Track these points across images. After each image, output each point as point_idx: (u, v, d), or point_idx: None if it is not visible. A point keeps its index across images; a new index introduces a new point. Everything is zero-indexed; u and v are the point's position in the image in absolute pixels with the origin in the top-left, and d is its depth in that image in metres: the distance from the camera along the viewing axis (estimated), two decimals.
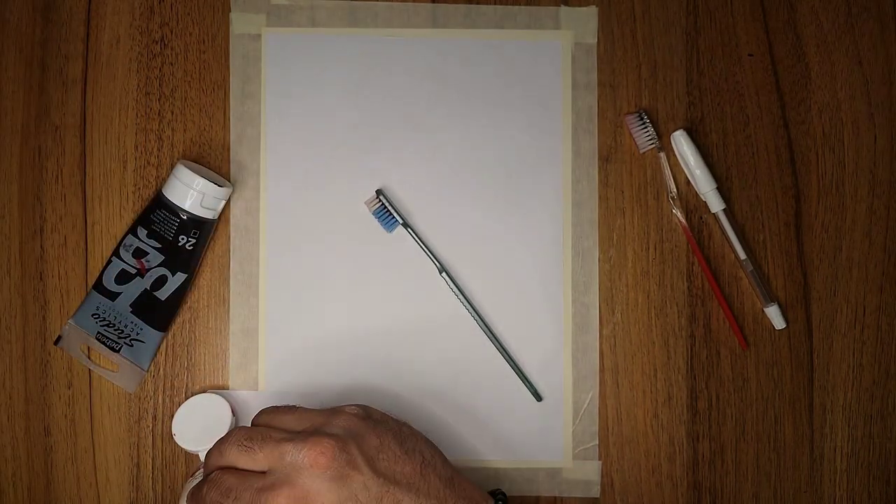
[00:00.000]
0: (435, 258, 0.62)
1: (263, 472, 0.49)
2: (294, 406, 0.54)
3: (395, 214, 0.61)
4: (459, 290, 0.61)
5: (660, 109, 0.64)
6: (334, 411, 0.52)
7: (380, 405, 0.62)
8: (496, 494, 0.53)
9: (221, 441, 0.51)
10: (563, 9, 0.63)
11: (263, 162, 0.62)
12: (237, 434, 0.51)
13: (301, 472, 0.48)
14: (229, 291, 0.62)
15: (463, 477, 0.52)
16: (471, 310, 0.62)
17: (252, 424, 0.54)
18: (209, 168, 0.62)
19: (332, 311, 0.62)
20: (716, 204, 0.62)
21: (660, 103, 0.64)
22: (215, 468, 0.51)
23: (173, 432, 0.59)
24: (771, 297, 0.63)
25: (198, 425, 0.59)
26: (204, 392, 0.61)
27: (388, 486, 0.49)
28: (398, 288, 0.62)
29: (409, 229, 0.61)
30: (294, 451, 0.49)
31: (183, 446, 0.58)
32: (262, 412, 0.54)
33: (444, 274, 0.61)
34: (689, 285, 0.63)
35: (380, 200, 0.61)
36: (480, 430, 0.62)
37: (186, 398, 0.61)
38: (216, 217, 0.60)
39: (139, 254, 0.59)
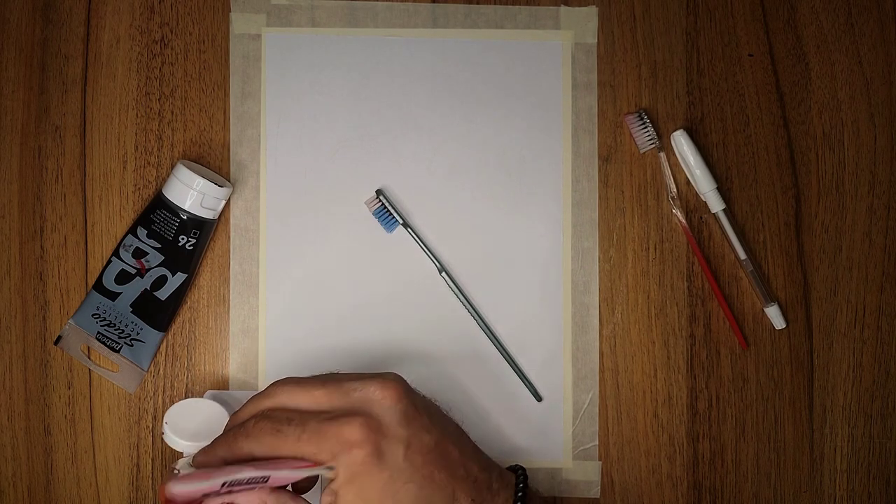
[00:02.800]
0: (435, 258, 0.62)
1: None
2: (315, 380, 0.50)
3: (394, 214, 0.61)
4: (459, 290, 0.61)
5: (660, 109, 0.64)
6: (358, 384, 0.50)
7: None
8: (517, 469, 0.54)
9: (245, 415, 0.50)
10: (563, 9, 0.63)
11: (263, 162, 0.62)
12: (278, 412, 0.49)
13: (373, 403, 0.48)
14: (229, 291, 0.62)
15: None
16: (471, 310, 0.62)
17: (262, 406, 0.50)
18: (209, 168, 0.62)
19: (331, 311, 0.62)
20: (716, 204, 0.62)
21: (660, 103, 0.64)
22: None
23: (163, 430, 0.56)
24: (771, 297, 0.63)
25: (190, 425, 0.56)
26: (198, 396, 0.60)
27: (443, 435, 0.50)
28: (398, 288, 0.62)
29: (409, 229, 0.62)
30: (362, 386, 0.49)
31: (172, 445, 0.56)
32: (277, 389, 0.50)
33: (443, 274, 0.61)
34: (689, 285, 0.63)
35: (380, 200, 0.61)
36: (480, 430, 0.62)
37: (187, 398, 0.61)
38: (216, 217, 0.60)
39: (139, 254, 0.59)
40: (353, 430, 0.47)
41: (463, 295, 0.62)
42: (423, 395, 0.53)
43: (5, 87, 0.61)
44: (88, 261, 0.61)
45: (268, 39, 0.63)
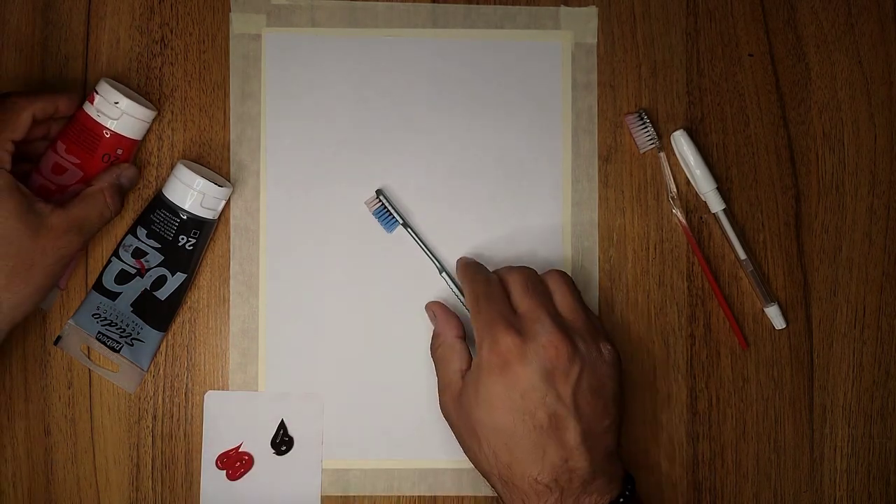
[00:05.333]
0: (435, 258, 0.62)
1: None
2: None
3: (395, 214, 0.61)
4: (460, 290, 0.61)
5: (660, 109, 0.64)
6: (601, 338, 0.56)
7: (379, 404, 0.62)
8: (627, 480, 0.55)
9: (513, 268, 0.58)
10: (563, 9, 0.63)
11: (263, 162, 0.62)
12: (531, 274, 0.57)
13: (534, 342, 0.53)
14: (229, 291, 0.62)
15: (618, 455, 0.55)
16: None
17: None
18: (209, 168, 0.62)
19: (331, 311, 0.62)
20: (716, 204, 0.62)
21: (660, 103, 0.64)
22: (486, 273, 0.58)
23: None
24: (771, 297, 0.63)
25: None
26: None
27: (570, 411, 0.52)
28: (398, 288, 0.62)
29: (408, 229, 0.61)
30: (543, 331, 0.53)
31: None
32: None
33: (444, 274, 0.61)
34: (689, 285, 0.63)
35: (380, 200, 0.61)
36: None
37: (186, 399, 0.61)
38: (216, 217, 0.60)
39: (138, 254, 0.59)
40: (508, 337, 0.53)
41: (463, 295, 0.61)
42: (609, 393, 0.54)
43: (5, 88, 0.61)
44: (88, 261, 0.61)
45: (268, 39, 0.63)
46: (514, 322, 0.54)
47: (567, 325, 0.54)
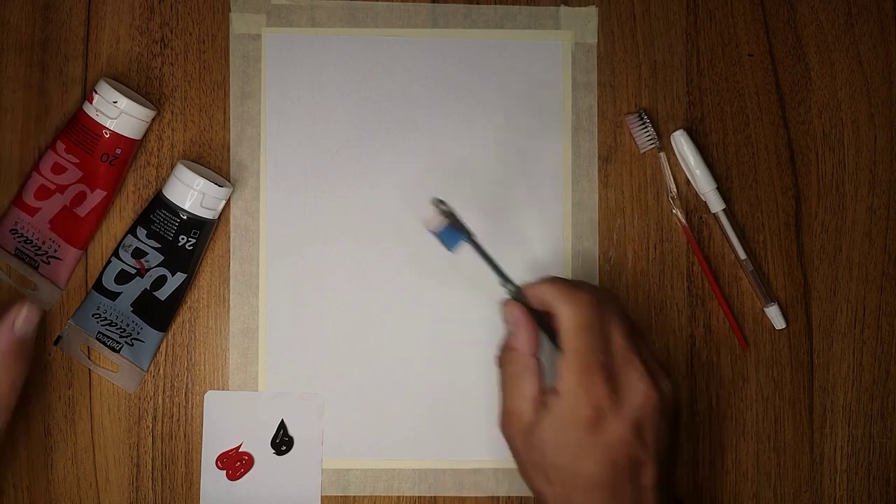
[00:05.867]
0: (501, 272, 0.55)
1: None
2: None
3: (464, 227, 0.54)
4: (531, 310, 0.55)
5: (660, 109, 0.64)
6: (664, 370, 0.53)
7: (379, 404, 0.62)
8: None
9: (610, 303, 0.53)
10: (563, 9, 0.63)
11: (263, 162, 0.62)
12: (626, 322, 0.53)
13: (629, 393, 0.51)
14: (229, 291, 0.62)
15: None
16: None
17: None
18: (209, 168, 0.62)
19: (332, 311, 0.62)
20: (716, 204, 0.62)
21: (660, 103, 0.64)
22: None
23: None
24: (771, 297, 0.63)
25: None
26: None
27: (651, 455, 0.51)
28: (398, 287, 0.62)
29: (474, 243, 0.55)
30: (637, 379, 0.51)
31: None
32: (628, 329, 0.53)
33: (508, 286, 0.55)
34: (689, 285, 0.63)
35: (445, 215, 0.53)
36: (481, 430, 0.62)
37: (186, 399, 0.61)
38: (216, 217, 0.60)
39: (138, 254, 0.59)
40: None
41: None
42: (668, 440, 0.52)
43: (5, 87, 0.61)
44: (88, 261, 0.61)
45: (268, 39, 0.63)
46: (609, 365, 0.51)
47: (651, 368, 0.52)
